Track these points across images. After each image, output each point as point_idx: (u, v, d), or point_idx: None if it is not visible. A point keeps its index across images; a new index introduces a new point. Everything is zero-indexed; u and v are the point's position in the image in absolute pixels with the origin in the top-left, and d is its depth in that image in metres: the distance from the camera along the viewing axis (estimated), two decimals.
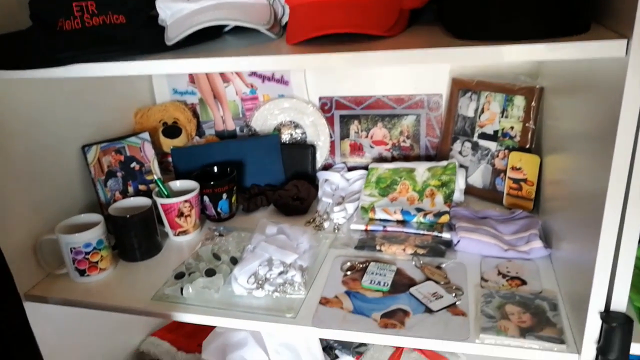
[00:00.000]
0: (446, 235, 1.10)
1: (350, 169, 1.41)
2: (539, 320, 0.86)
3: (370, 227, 1.16)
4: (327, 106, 1.41)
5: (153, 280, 1.05)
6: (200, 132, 1.50)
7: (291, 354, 1.30)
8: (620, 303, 0.75)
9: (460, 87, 1.30)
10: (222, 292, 0.99)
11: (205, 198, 1.23)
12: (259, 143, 1.37)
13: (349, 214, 1.23)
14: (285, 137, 1.44)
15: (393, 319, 0.90)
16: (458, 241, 1.06)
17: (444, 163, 1.25)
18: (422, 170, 1.26)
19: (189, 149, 1.37)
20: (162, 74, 1.46)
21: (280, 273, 0.99)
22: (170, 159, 1.38)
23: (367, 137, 1.41)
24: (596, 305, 0.75)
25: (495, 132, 1.25)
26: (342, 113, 1.41)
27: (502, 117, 1.23)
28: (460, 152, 1.31)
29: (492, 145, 1.25)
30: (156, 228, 1.15)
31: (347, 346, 1.37)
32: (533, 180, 1.17)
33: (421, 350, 1.24)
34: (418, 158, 1.38)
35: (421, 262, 1.03)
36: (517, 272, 1.00)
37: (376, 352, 1.28)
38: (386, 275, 1.00)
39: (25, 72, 0.85)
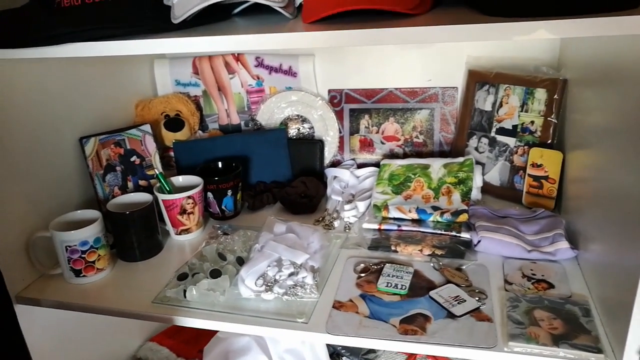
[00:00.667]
0: (465, 235, 1.04)
1: (360, 166, 1.35)
2: (572, 327, 0.80)
3: (384, 227, 1.09)
4: (337, 99, 1.35)
5: (154, 281, 0.98)
6: (203, 126, 1.43)
7: None
8: None
9: (477, 79, 1.24)
10: (228, 294, 0.92)
11: (209, 195, 1.16)
12: (265, 138, 1.30)
13: (360, 213, 1.16)
14: (292, 132, 1.38)
15: (413, 325, 0.83)
16: (479, 241, 1.00)
17: (460, 159, 1.19)
18: (437, 166, 1.19)
19: (192, 142, 1.30)
20: (165, 65, 1.40)
21: (291, 274, 0.93)
22: (172, 153, 1.32)
23: (378, 132, 1.34)
24: None
25: (514, 127, 1.18)
26: (352, 107, 1.35)
27: (521, 111, 1.17)
28: (476, 149, 1.25)
29: (510, 141, 1.19)
30: (157, 226, 1.08)
31: (355, 353, 1.31)
32: (555, 178, 1.11)
33: (434, 358, 1.18)
34: (431, 155, 1.32)
35: (440, 263, 0.97)
36: (543, 274, 0.93)
37: (387, 359, 1.22)
38: (403, 277, 0.94)
39: (18, 51, 0.79)
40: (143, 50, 0.75)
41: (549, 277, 0.92)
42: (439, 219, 1.08)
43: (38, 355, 0.75)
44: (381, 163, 1.25)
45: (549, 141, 1.13)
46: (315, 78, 1.34)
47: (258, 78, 1.37)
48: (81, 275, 0.99)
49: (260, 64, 1.36)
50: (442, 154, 1.31)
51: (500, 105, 1.20)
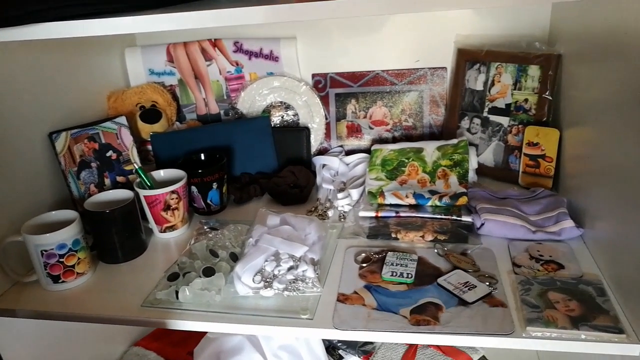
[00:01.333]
0: (466, 218, 1.00)
1: (348, 152, 1.30)
2: (589, 307, 0.77)
3: (381, 214, 1.04)
4: (321, 84, 1.29)
5: (140, 283, 0.91)
6: (180, 116, 1.35)
7: (292, 357, 1.19)
8: None
9: (467, 58, 1.20)
10: (224, 293, 0.86)
11: (193, 189, 1.09)
12: (248, 126, 1.23)
13: (354, 201, 1.11)
14: (276, 119, 1.31)
15: (425, 315, 0.79)
16: (482, 224, 0.96)
17: (454, 141, 1.15)
18: (430, 149, 1.15)
19: (170, 134, 1.22)
20: (137, 53, 1.31)
21: (290, 268, 0.87)
22: (149, 146, 1.23)
23: (365, 117, 1.29)
24: None
25: (508, 105, 1.15)
26: (338, 91, 1.29)
27: (514, 89, 1.14)
28: (468, 130, 1.22)
29: (504, 121, 1.16)
30: (140, 224, 1.00)
31: (352, 346, 1.26)
32: (552, 156, 1.08)
33: (437, 347, 1.14)
34: (421, 138, 1.28)
35: (445, 249, 0.93)
36: (551, 255, 0.90)
37: (388, 351, 1.17)
38: (408, 265, 0.90)
39: None
40: (111, 30, 0.68)
41: (557, 257, 0.89)
42: (438, 203, 1.04)
43: None
44: (372, 148, 1.20)
45: (544, 119, 1.10)
46: (298, 62, 1.28)
47: (237, 64, 1.30)
48: (60, 281, 0.91)
49: (239, 49, 1.29)
50: (432, 137, 1.27)
51: (492, 84, 1.17)
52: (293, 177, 1.18)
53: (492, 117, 1.17)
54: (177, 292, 0.85)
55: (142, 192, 1.01)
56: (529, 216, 0.99)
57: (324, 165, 1.24)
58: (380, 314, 0.80)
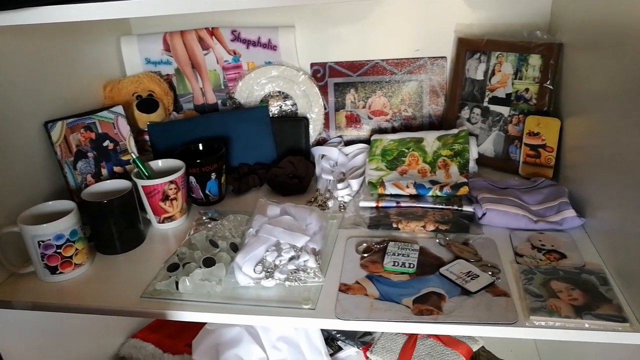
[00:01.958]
0: (467, 208, 1.00)
1: (347, 143, 1.29)
2: (592, 296, 0.76)
3: (382, 204, 1.03)
4: (320, 73, 1.28)
5: (139, 274, 0.90)
6: (177, 106, 1.34)
7: (291, 348, 1.18)
8: None
9: (468, 47, 1.19)
10: (225, 283, 0.85)
11: (192, 179, 1.08)
12: (246, 116, 1.22)
13: (354, 191, 1.11)
14: (274, 109, 1.30)
15: (427, 304, 0.78)
16: (483, 214, 0.95)
17: (454, 131, 1.14)
18: (431, 139, 1.14)
19: (168, 124, 1.20)
20: (133, 42, 1.29)
21: (291, 258, 0.86)
22: (146, 136, 1.22)
23: (364, 107, 1.28)
24: None
25: (508, 95, 1.14)
26: (337, 81, 1.28)
27: (515, 78, 1.13)
28: (468, 119, 1.21)
29: (504, 110, 1.15)
30: (138, 214, 0.99)
31: (351, 337, 1.25)
32: (553, 146, 1.07)
33: (437, 337, 1.14)
34: (421, 128, 1.27)
35: (447, 239, 0.92)
36: (553, 244, 0.90)
37: (387, 342, 1.17)
38: (409, 255, 0.89)
39: None
40: (103, 14, 0.67)
41: (559, 247, 0.89)
42: (439, 193, 1.03)
43: None
44: (372, 138, 1.19)
45: (545, 108, 1.10)
46: (296, 51, 1.27)
47: (235, 53, 1.28)
48: (57, 272, 0.89)
49: (236, 37, 1.27)
50: (432, 127, 1.26)
51: (493, 73, 1.16)
52: (292, 168, 1.17)
53: (493, 107, 1.17)
54: (177, 283, 0.84)
55: (140, 182, 1.00)
56: (531, 206, 0.98)
57: (323, 156, 1.23)
58: (383, 304, 0.79)
